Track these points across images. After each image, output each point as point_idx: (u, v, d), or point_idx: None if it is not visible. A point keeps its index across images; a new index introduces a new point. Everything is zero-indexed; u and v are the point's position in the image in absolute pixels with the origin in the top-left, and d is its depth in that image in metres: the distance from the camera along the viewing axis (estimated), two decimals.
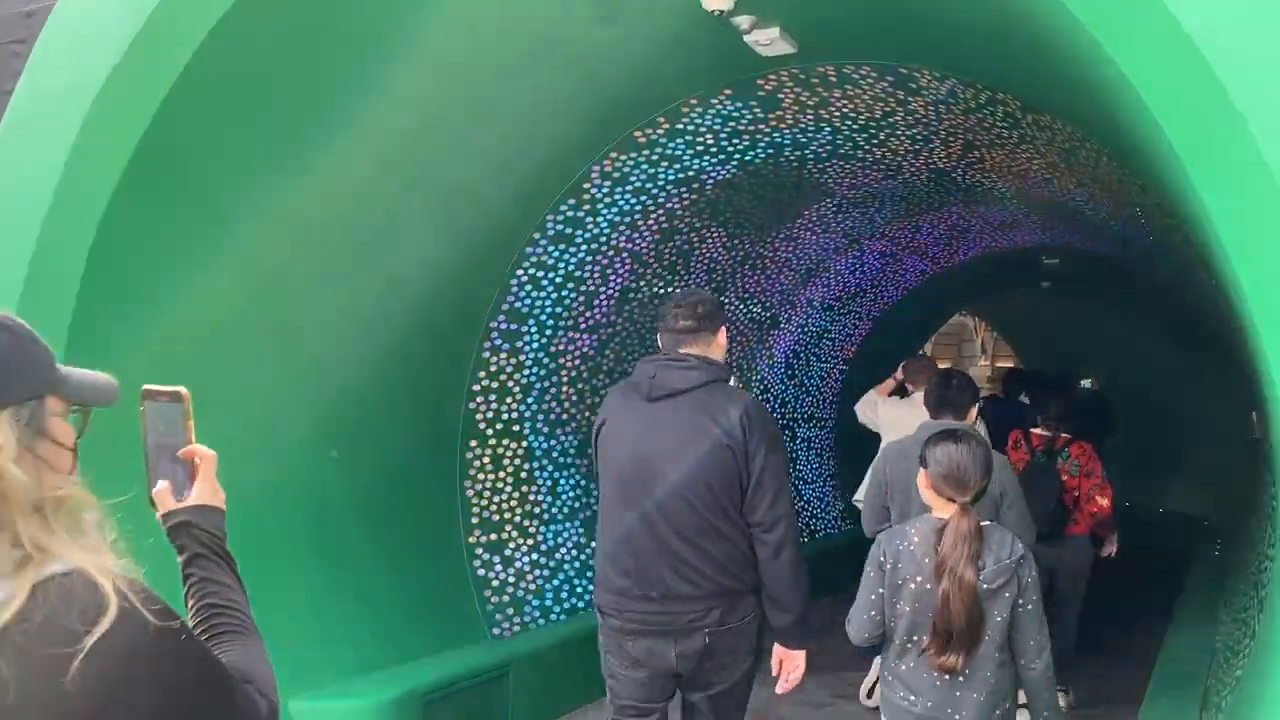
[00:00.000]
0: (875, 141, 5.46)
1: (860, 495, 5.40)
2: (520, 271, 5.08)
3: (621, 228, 5.41)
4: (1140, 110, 2.09)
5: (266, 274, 3.86)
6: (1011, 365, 19.37)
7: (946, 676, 2.63)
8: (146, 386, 1.38)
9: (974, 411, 4.12)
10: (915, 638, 2.68)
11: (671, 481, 2.91)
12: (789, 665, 3.11)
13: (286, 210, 3.77)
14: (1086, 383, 9.61)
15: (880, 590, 2.74)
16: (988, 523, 2.74)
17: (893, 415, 5.71)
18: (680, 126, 4.88)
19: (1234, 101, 1.66)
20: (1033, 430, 5.31)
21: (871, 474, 4.17)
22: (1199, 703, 4.12)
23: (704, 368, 2.99)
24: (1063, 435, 5.20)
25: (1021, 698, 2.90)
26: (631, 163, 5.00)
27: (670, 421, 2.95)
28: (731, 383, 3.35)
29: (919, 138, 5.35)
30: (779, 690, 3.16)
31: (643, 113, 4.70)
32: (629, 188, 5.16)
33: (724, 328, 3.12)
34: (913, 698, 2.70)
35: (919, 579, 2.67)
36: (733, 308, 7.12)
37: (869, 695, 5.28)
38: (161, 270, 3.51)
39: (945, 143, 5.37)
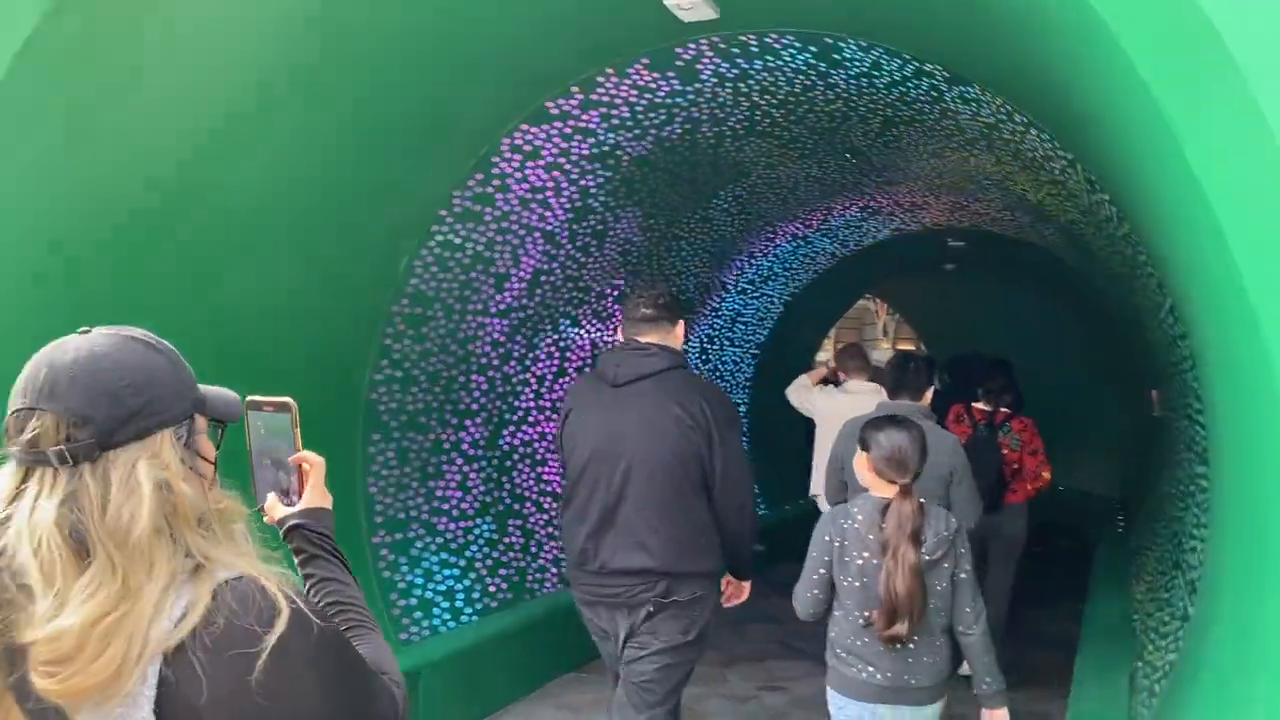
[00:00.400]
0: (794, 118, 5.29)
1: (816, 489, 5.64)
2: (425, 251, 4.75)
3: (533, 205, 5.12)
4: (1110, 62, 1.93)
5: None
6: (910, 347, 19.77)
7: (898, 646, 2.78)
8: (251, 398, 1.45)
9: (929, 393, 4.22)
10: (865, 613, 2.83)
11: (639, 459, 3.09)
12: (736, 591, 3.54)
13: None
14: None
15: (822, 570, 2.90)
16: (923, 500, 2.88)
17: (829, 405, 5.70)
18: (595, 98, 4.61)
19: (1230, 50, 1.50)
20: (974, 405, 5.57)
21: (829, 453, 4.31)
22: (1127, 686, 4.08)
23: (664, 354, 3.18)
24: (1002, 410, 5.52)
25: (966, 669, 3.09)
26: (543, 136, 4.71)
27: (635, 405, 3.13)
28: None
29: (838, 114, 5.20)
30: (724, 604, 3.52)
31: (555, 82, 4.42)
32: (540, 163, 4.88)
33: (682, 320, 3.32)
34: (871, 669, 2.85)
35: (865, 555, 2.84)
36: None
37: None
38: None
39: (864, 120, 5.24)
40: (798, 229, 7.87)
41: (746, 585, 3.55)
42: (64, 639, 1.00)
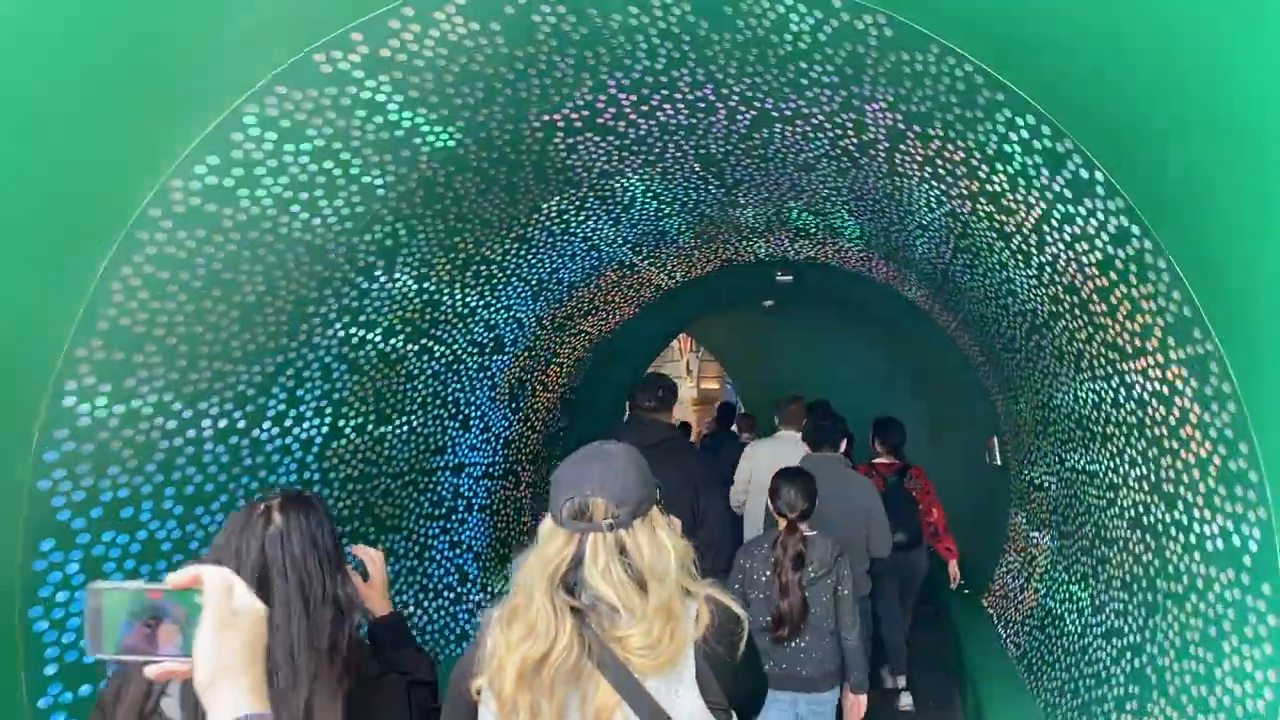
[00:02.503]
0: (645, 109, 4.16)
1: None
2: (129, 270, 3.21)
3: (295, 207, 3.69)
4: None
5: None
6: (714, 386, 19.20)
7: (790, 644, 3.77)
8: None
9: (844, 444, 5.15)
10: (766, 618, 3.76)
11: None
12: None
13: None
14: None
15: (736, 587, 3.84)
16: (812, 533, 3.84)
17: (765, 454, 5.96)
18: (385, 54, 3.28)
19: None
20: (877, 461, 6.13)
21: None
22: None
23: (667, 429, 4.31)
24: (900, 462, 6.17)
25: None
26: (310, 104, 3.32)
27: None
28: None
29: (701, 107, 4.11)
30: None
31: (326, 23, 3.06)
32: (306, 144, 3.47)
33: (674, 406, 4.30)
34: (773, 662, 3.80)
35: (766, 574, 3.82)
36: (449, 327, 5.54)
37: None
38: None
39: (732, 115, 4.17)
40: (626, 254, 6.74)
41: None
42: (651, 636, 1.74)
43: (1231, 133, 1.99)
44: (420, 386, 5.51)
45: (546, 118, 4.07)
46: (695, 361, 18.76)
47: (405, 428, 5.49)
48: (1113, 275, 2.98)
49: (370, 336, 4.81)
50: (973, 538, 8.99)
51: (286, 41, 3.04)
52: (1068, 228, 3.08)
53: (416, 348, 5.29)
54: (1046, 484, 5.73)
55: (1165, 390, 3.03)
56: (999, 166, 3.24)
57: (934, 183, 4.02)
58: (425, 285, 4.98)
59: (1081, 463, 4.68)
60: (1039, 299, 4.15)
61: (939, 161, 3.68)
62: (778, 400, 6.59)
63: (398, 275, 4.69)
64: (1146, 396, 3.23)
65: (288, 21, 2.96)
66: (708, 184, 5.48)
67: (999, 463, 8.03)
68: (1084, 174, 2.65)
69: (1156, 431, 3.25)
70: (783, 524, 3.80)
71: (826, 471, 4.56)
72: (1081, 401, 4.30)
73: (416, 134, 3.83)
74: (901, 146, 3.79)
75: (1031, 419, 5.82)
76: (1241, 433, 2.48)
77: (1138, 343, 3.11)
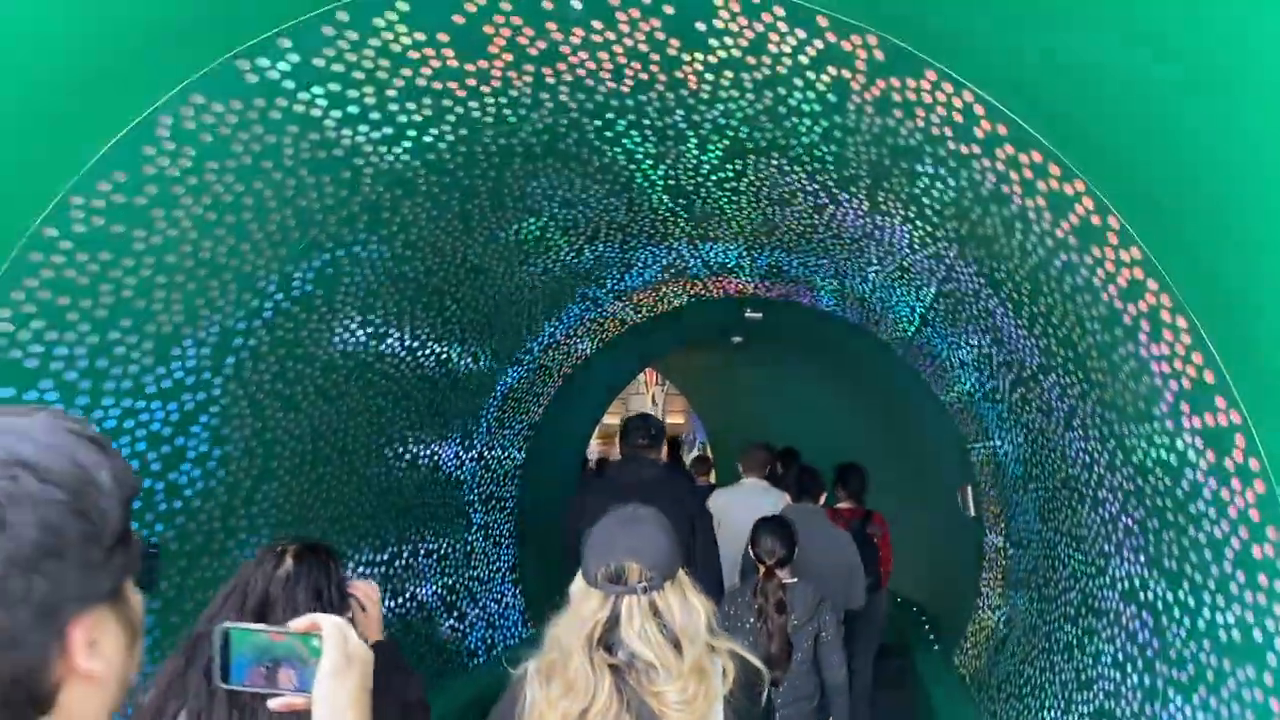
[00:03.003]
0: (610, 134, 3.86)
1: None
2: (19, 294, 2.84)
3: (221, 231, 3.33)
4: None
5: None
6: (680, 420, 18.87)
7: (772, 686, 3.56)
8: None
9: (823, 495, 5.33)
10: None
11: None
12: None
13: None
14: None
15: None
16: (792, 580, 3.93)
17: (728, 502, 5.75)
18: (317, 62, 2.94)
19: None
20: (840, 506, 6.08)
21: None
22: None
23: (659, 466, 4.58)
24: (861, 508, 6.16)
25: None
26: (235, 116, 2.97)
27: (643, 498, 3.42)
28: None
29: (670, 134, 3.82)
30: None
31: (249, 26, 2.72)
32: (231, 159, 3.12)
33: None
34: None
35: (751, 620, 3.87)
36: (398, 363, 5.18)
37: None
38: None
39: (704, 143, 3.88)
40: (589, 289, 6.42)
41: None
42: (687, 693, 1.84)
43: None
44: (364, 424, 5.14)
45: (503, 140, 3.76)
46: (661, 395, 18.45)
47: (346, 468, 5.11)
48: (1118, 332, 2.70)
49: (308, 370, 4.44)
50: (943, 591, 8.69)
51: (204, 44, 2.70)
52: (1069, 278, 2.80)
53: (360, 383, 4.93)
54: (1026, 541, 5.45)
55: (1173, 460, 2.74)
56: (993, 208, 2.96)
57: (919, 223, 3.74)
58: (370, 317, 4.62)
59: (1067, 525, 4.40)
60: (1028, 350, 3.87)
61: (925, 200, 3.40)
62: (743, 448, 6.44)
63: (339, 305, 4.33)
64: (1150, 464, 2.94)
65: (205, 22, 2.63)
66: (675, 216, 5.19)
67: (972, 513, 7.75)
68: (1095, 219, 2.36)
69: (1159, 502, 2.96)
70: (762, 570, 3.83)
71: (808, 523, 4.59)
72: (1070, 461, 4.02)
73: (357, 153, 3.49)
74: (885, 183, 3.51)
75: (1011, 473, 5.55)
76: (1271, 516, 2.19)
77: (1142, 405, 2.82)
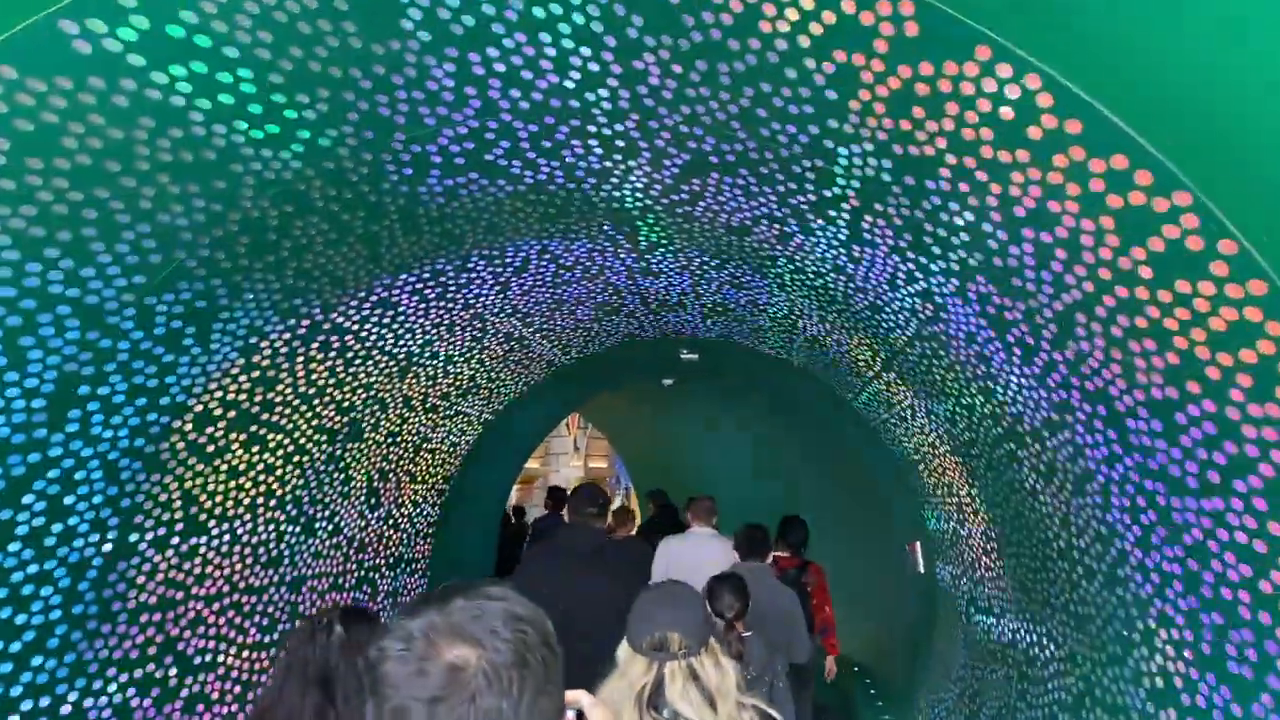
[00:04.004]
0: (550, 145, 3.23)
1: None
2: None
3: (51, 251, 2.60)
4: None
5: None
6: (604, 465, 18.18)
7: None
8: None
9: (770, 555, 5.30)
10: None
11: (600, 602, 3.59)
12: None
13: None
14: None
15: None
16: (748, 633, 3.94)
17: (679, 550, 5.63)
18: (174, 31, 2.26)
19: None
20: (778, 555, 5.96)
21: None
22: None
23: (603, 534, 4.45)
24: (798, 559, 6.06)
25: None
26: (62, 100, 2.26)
27: (588, 566, 4.18)
28: None
29: (620, 145, 3.21)
30: None
31: None
32: (62, 159, 2.40)
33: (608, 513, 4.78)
34: None
35: None
36: (291, 412, 4.43)
37: None
38: None
39: (659, 160, 3.28)
40: (513, 326, 5.75)
41: None
42: None
43: None
44: (248, 485, 4.36)
45: (418, 148, 3.10)
46: (583, 439, 17.74)
47: (226, 537, 4.32)
48: (1192, 386, 2.15)
49: (177, 424, 3.67)
50: (890, 652, 8.15)
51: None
52: (1126, 318, 2.25)
53: (244, 437, 4.17)
54: (1001, 611, 4.92)
55: (1260, 548, 2.20)
56: (1026, 233, 2.41)
57: (911, 254, 3.19)
58: (255, 359, 3.88)
59: (1062, 600, 3.87)
60: (1032, 403, 3.34)
61: (929, 226, 2.84)
62: (690, 499, 6.43)
63: (215, 346, 3.59)
64: (1213, 548, 2.40)
65: None
66: (618, 247, 4.58)
67: (921, 570, 7.25)
68: (1195, 242, 1.81)
69: (1228, 594, 2.42)
70: (721, 624, 3.83)
71: (757, 581, 4.56)
72: (1076, 530, 3.49)
73: (234, 156, 2.79)
74: (877, 205, 2.95)
75: (985, 534, 5.03)
76: None
77: (1215, 478, 2.28)
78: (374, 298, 4.22)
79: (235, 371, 3.81)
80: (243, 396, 3.99)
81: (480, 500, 8.01)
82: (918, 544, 7.32)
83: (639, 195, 3.72)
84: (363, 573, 5.94)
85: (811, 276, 4.26)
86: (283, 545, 4.84)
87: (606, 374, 8.04)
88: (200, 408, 3.75)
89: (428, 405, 5.92)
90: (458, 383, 6.06)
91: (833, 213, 3.23)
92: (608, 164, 3.37)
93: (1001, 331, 3.14)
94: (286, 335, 3.96)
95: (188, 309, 3.30)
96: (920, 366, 4.43)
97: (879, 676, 8.21)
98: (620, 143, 3.16)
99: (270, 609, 4.85)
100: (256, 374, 3.97)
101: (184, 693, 4.13)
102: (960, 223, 2.68)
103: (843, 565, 9.49)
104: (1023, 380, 3.31)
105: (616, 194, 3.74)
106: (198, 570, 4.17)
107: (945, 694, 6.04)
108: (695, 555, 5.29)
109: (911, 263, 3.24)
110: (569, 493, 4.85)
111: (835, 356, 5.79)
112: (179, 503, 3.92)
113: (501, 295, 5.02)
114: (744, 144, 2.95)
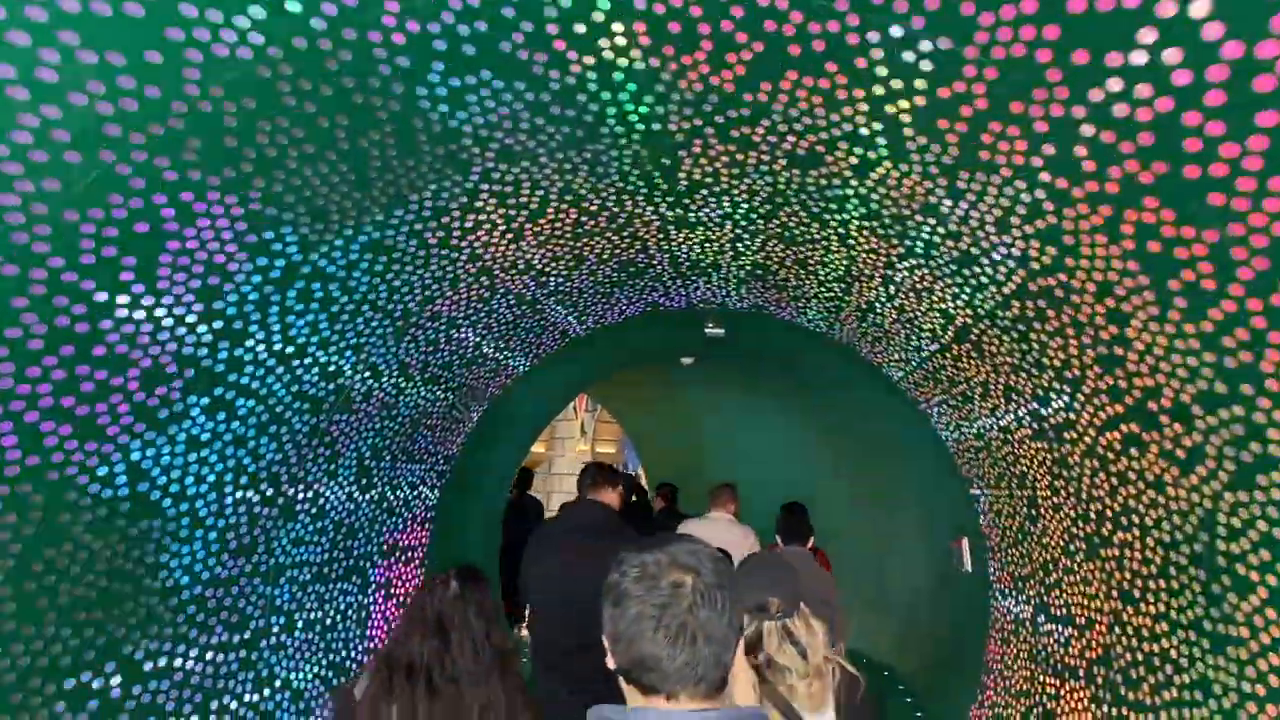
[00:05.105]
0: (584, 30, 2.54)
1: None
2: None
3: None
4: None
5: None
6: (612, 450, 17.47)
7: None
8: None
9: (811, 538, 5.33)
10: None
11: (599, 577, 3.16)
12: None
13: None
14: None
15: None
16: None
17: (692, 532, 5.17)
18: None
19: None
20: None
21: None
22: None
23: (612, 512, 4.41)
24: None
25: None
26: None
27: (589, 544, 4.14)
28: None
29: (676, 32, 2.51)
30: None
31: None
32: None
33: (620, 486, 4.61)
34: None
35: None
36: (264, 374, 3.74)
37: None
38: None
39: (721, 52, 2.59)
40: (525, 287, 5.06)
41: None
42: (811, 688, 2.51)
43: None
44: (212, 458, 3.68)
45: (415, 27, 2.40)
46: (591, 422, 17.05)
47: (185, 520, 3.64)
48: None
49: (115, 381, 2.99)
50: (932, 662, 7.48)
51: None
52: None
53: (206, 401, 3.48)
54: (1087, 622, 4.23)
55: None
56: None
57: (1047, 174, 2.49)
58: (216, 305, 3.20)
59: (1191, 614, 3.18)
60: (1184, 372, 2.65)
61: (1086, 129, 2.14)
62: (712, 487, 6.40)
63: (165, 285, 2.90)
64: None
65: None
66: (653, 189, 3.88)
67: (968, 569, 6.57)
68: None
69: None
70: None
71: (800, 566, 4.10)
72: (1228, 534, 2.80)
73: (169, 17, 2.10)
74: (1014, 106, 2.25)
75: (1069, 532, 4.34)
76: None
77: None
78: (363, 238, 3.52)
79: (189, 318, 3.13)
80: (203, 351, 3.31)
81: (484, 484, 7.33)
82: (965, 540, 6.64)
83: (688, 110, 3.02)
84: (352, 561, 5.27)
85: (888, 222, 3.55)
86: (255, 530, 4.16)
87: (624, 349, 7.34)
88: (145, 361, 3.07)
89: (428, 375, 5.23)
90: (461, 350, 5.37)
91: (946, 122, 2.53)
92: (654, 61, 2.67)
93: (1161, 274, 2.45)
94: (257, 278, 3.28)
95: (124, 232, 2.62)
96: (1011, 332, 3.73)
97: (917, 685, 7.53)
98: (675, 24, 2.46)
99: (240, 603, 4.18)
100: (219, 324, 3.28)
101: (130, 705, 3.46)
102: (1145, 118, 1.97)
103: (874, 562, 8.82)
104: (1176, 342, 2.61)
105: (659, 109, 3.04)
106: (146, 560, 3.49)
107: (1005, 710, 5.35)
108: (713, 540, 5.12)
109: (1043, 189, 2.54)
110: (582, 470, 4.62)
111: (891, 327, 5.09)
112: (124, 478, 3.24)
113: (514, 246, 4.32)
114: (843, 22, 2.25)
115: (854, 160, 3.10)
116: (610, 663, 1.57)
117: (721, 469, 9.70)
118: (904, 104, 2.55)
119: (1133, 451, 3.32)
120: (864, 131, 2.84)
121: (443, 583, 2.77)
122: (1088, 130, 2.16)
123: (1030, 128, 2.32)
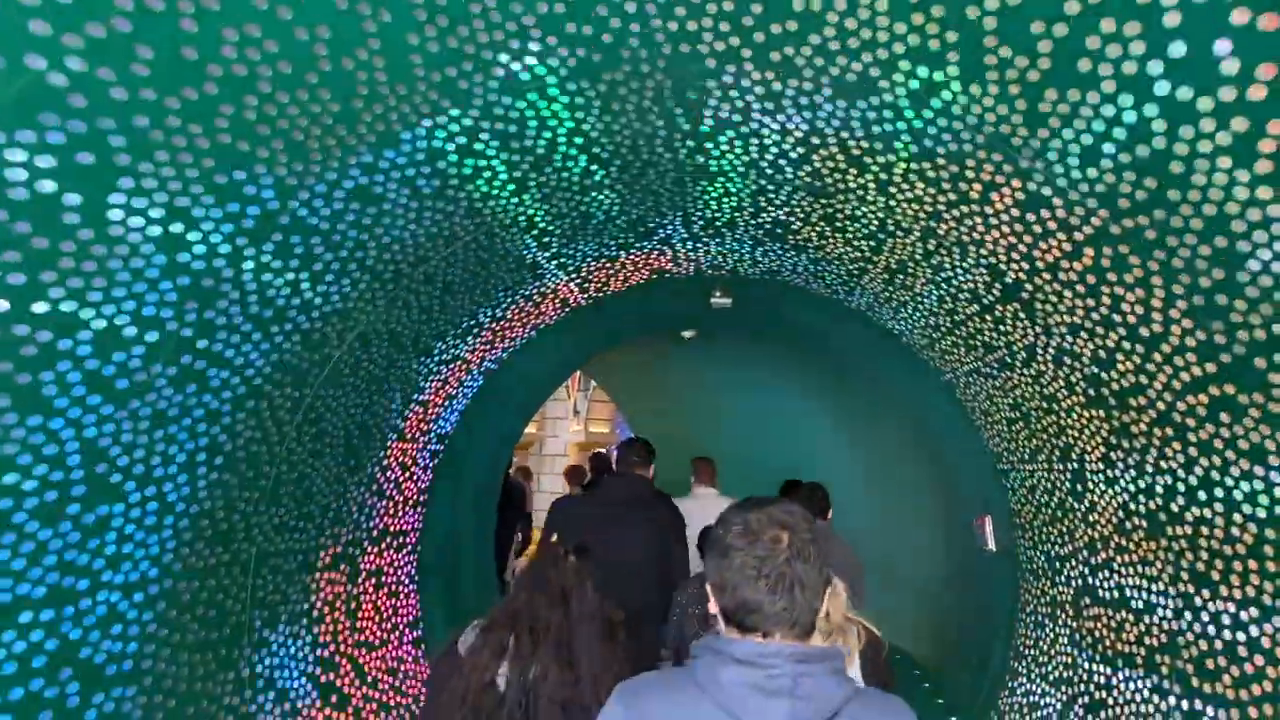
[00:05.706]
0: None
1: None
2: None
3: None
4: None
5: None
6: (605, 430, 17.08)
7: None
8: None
9: (830, 513, 5.20)
10: None
11: (637, 548, 4.61)
12: None
13: None
14: None
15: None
16: None
17: (684, 509, 5.32)
18: None
19: None
20: None
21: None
22: None
23: (648, 484, 4.98)
24: None
25: None
26: None
27: (627, 515, 4.71)
28: None
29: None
30: None
31: None
32: None
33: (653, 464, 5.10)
34: None
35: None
36: (242, 340, 3.32)
37: None
38: None
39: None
40: (527, 249, 4.64)
41: None
42: (836, 641, 2.64)
43: None
44: (183, 435, 3.26)
45: None
46: (584, 402, 16.64)
47: (155, 505, 3.23)
48: None
49: (65, 345, 2.57)
50: (956, 648, 7.14)
51: None
52: None
53: (174, 371, 3.06)
54: (1149, 605, 3.87)
55: None
56: None
57: (1166, 81, 2.09)
58: (182, 256, 2.77)
59: (1266, 595, 2.82)
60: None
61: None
62: (694, 459, 6.53)
63: (116, 230, 2.48)
64: None
65: None
66: (672, 130, 3.47)
67: (992, 548, 6.22)
68: None
69: None
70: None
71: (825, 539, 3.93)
72: None
73: None
74: None
75: (1125, 508, 3.97)
76: None
77: None
78: (349, 183, 3.10)
79: (154, 275, 2.70)
80: (168, 312, 2.88)
81: (479, 463, 6.93)
82: (988, 518, 6.29)
83: (724, 27, 2.61)
84: (340, 549, 4.87)
85: (942, 163, 3.16)
86: (233, 515, 3.75)
87: (625, 320, 6.94)
88: (103, 324, 2.65)
89: (420, 346, 4.81)
90: (457, 320, 4.96)
91: (1042, 24, 2.12)
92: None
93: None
94: (228, 227, 2.85)
95: (63, 162, 2.19)
96: (1076, 286, 3.34)
97: (929, 668, 7.21)
98: None
99: (220, 595, 3.78)
100: (187, 280, 2.86)
101: (90, 714, 3.06)
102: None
103: (888, 542, 8.47)
104: None
105: (692, 25, 2.62)
106: (110, 553, 3.08)
107: (1049, 698, 5.01)
108: (702, 515, 5.27)
109: (1156, 104, 2.15)
110: (625, 444, 4.99)
111: (922, 289, 4.71)
112: (78, 457, 2.82)
113: (516, 200, 3.91)
114: None
115: (914, 84, 2.70)
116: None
117: (720, 447, 9.34)
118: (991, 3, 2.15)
119: (1222, 417, 2.95)
120: (933, 44, 2.44)
121: (563, 556, 2.94)
122: (1240, 16, 1.77)
123: (1158, 18, 1.92)
